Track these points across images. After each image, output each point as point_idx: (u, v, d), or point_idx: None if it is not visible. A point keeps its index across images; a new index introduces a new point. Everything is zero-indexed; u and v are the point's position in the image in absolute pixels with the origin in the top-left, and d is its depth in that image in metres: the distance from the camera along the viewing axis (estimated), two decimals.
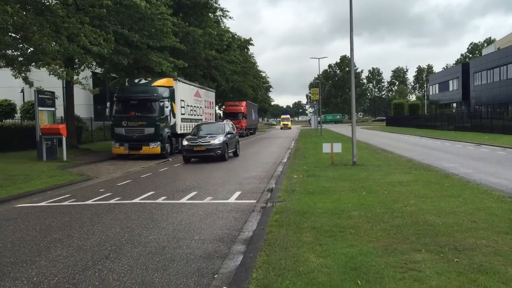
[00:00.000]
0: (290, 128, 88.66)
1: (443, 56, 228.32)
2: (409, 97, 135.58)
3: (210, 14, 40.77)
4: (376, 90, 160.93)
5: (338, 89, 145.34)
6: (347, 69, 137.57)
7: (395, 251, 6.22)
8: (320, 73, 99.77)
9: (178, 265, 6.19)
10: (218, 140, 21.12)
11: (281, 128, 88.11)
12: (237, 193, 12.06)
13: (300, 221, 8.08)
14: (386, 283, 5.06)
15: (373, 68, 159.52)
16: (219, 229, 8.21)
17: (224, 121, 25.03)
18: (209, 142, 20.96)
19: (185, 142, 21.28)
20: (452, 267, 5.51)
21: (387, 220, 7.96)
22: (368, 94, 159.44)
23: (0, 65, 19.67)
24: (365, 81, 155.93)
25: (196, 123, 29.81)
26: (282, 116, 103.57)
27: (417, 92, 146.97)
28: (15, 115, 33.21)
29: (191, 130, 28.31)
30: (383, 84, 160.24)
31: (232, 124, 24.81)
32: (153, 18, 24.26)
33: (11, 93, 39.57)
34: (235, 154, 23.83)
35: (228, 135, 22.33)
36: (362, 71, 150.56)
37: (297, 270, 5.53)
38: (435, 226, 7.46)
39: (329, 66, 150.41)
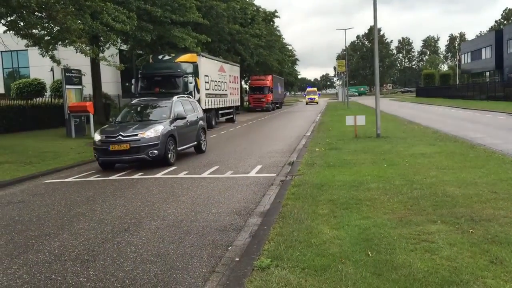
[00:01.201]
0: (317, 103, 75.92)
1: (477, 23, 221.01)
2: (441, 67, 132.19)
3: None
4: (406, 60, 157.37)
5: (366, 61, 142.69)
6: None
7: (409, 222, 6.19)
8: (347, 44, 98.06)
9: (194, 237, 6.32)
10: (154, 131, 12.68)
11: (307, 104, 75.05)
12: (258, 167, 12.14)
13: (317, 194, 8.10)
14: (397, 254, 5.06)
15: (402, 37, 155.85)
16: (236, 202, 8.31)
17: (174, 98, 14.86)
18: (136, 135, 12.53)
19: (97, 137, 12.98)
20: (466, 238, 5.46)
21: (405, 192, 7.90)
22: (398, 64, 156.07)
23: (28, 44, 20.02)
24: (394, 51, 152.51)
25: (221, 98, 29.95)
26: (308, 89, 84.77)
27: (449, 61, 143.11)
28: (45, 93, 33.99)
29: (215, 105, 28.52)
30: (413, 54, 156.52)
31: (191, 103, 16.38)
32: None
33: (42, 72, 40.45)
34: (199, 150, 15.59)
35: (178, 122, 13.99)
36: (391, 41, 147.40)
37: (308, 242, 5.58)
38: (454, 198, 7.37)
39: (357, 37, 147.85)
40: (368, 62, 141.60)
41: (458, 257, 4.88)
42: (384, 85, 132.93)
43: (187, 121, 14.69)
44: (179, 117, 14.04)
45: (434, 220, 6.23)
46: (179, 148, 13.85)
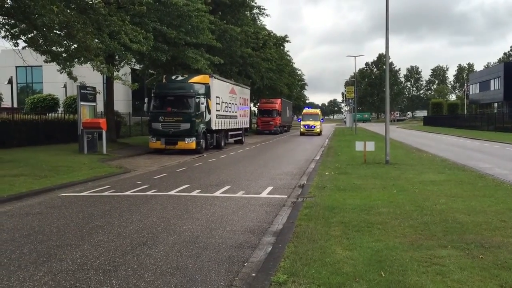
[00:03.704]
0: (318, 133, 48.54)
1: (486, 55, 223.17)
2: (449, 97, 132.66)
3: (247, 12, 41.28)
4: (414, 88, 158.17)
5: (374, 88, 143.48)
6: (384, 67, 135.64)
7: (421, 246, 6.38)
8: (356, 71, 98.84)
9: (211, 253, 6.53)
10: None
11: (302, 134, 48.28)
12: (269, 188, 12.36)
13: (329, 215, 8.30)
14: (409, 275, 5.24)
15: (411, 66, 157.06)
16: (250, 221, 8.52)
17: None
18: None
19: None
20: (476, 263, 5.64)
21: (415, 217, 8.08)
22: (406, 92, 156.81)
23: (46, 60, 20.55)
24: (402, 79, 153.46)
25: (231, 120, 30.36)
26: (305, 111, 53.15)
27: (457, 91, 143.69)
28: (58, 109, 34.56)
29: (225, 127, 28.91)
30: (421, 82, 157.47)
31: None
32: (190, 15, 24.81)
33: (55, 88, 41.19)
34: None
35: None
36: (399, 69, 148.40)
37: (323, 261, 5.78)
38: (464, 224, 7.55)
39: (366, 64, 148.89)
40: (376, 89, 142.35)
41: (469, 280, 5.06)
42: (392, 113, 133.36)
43: None
44: None
45: (445, 245, 6.41)
46: None
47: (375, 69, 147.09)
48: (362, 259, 5.87)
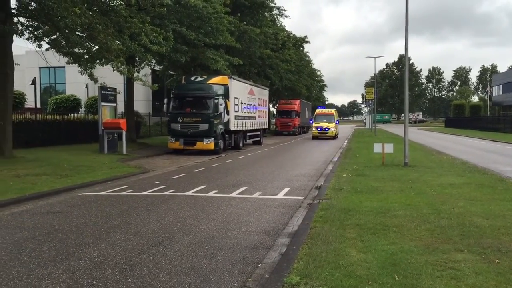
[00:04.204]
0: (333, 136, 42.01)
1: (510, 56, 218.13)
2: (471, 98, 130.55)
3: (266, 13, 41.30)
4: (435, 90, 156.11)
5: (394, 89, 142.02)
6: (404, 68, 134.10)
7: (436, 250, 6.33)
8: (377, 72, 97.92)
9: (225, 253, 6.58)
10: None
11: (315, 137, 41.84)
12: (286, 190, 12.38)
13: (345, 218, 8.29)
14: (423, 279, 5.22)
15: (433, 67, 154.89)
16: (265, 222, 8.56)
17: None
18: None
19: None
20: (492, 267, 5.58)
21: (432, 221, 8.02)
22: (427, 94, 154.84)
23: (69, 62, 20.91)
24: (424, 80, 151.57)
25: (249, 121, 30.44)
26: (318, 111, 46.47)
27: (479, 93, 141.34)
28: (80, 109, 35.11)
29: (243, 127, 29.02)
30: (443, 84, 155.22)
31: None
32: (209, 17, 24.97)
33: (77, 88, 41.87)
34: None
35: None
36: (421, 70, 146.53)
37: (337, 263, 5.78)
38: (481, 228, 7.46)
39: (386, 65, 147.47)
40: (397, 90, 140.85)
41: (483, 285, 5.02)
42: (413, 114, 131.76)
43: None
44: None
45: (461, 249, 6.36)
46: None
47: (395, 70, 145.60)
48: (376, 262, 5.85)
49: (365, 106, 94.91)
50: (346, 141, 37.63)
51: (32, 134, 24.12)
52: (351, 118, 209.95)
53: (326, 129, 41.56)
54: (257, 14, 37.08)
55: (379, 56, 74.50)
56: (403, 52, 17.79)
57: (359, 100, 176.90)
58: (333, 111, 46.06)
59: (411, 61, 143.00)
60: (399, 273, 5.43)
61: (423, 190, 11.27)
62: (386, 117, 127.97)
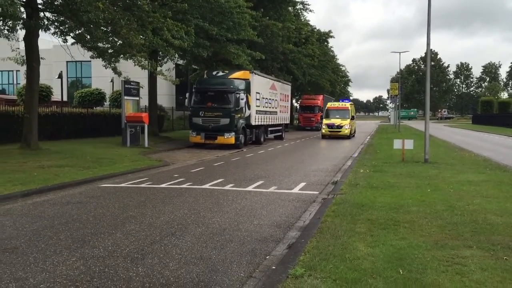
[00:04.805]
0: (348, 135, 35.35)
1: None
2: (501, 95, 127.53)
3: (290, 8, 41.20)
4: (463, 86, 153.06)
5: (421, 84, 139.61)
6: (432, 63, 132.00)
7: (445, 246, 6.33)
8: (403, 67, 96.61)
9: (235, 245, 6.71)
10: None
11: (325, 136, 35.24)
12: (302, 184, 12.44)
13: (357, 213, 8.32)
14: (428, 274, 5.24)
15: (461, 62, 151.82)
16: (278, 216, 8.66)
17: None
18: None
19: None
20: (499, 264, 5.56)
21: (445, 217, 7.98)
22: (455, 90, 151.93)
23: (93, 56, 21.34)
24: (451, 76, 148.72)
25: (271, 115, 30.51)
26: (329, 105, 39.37)
27: (509, 89, 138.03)
28: (105, 103, 35.75)
29: (265, 122, 29.10)
30: (471, 80, 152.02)
31: None
32: (231, 11, 25.09)
33: (103, 82, 42.64)
34: None
35: None
36: (448, 66, 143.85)
37: (343, 256, 5.84)
38: (494, 225, 7.40)
39: (413, 60, 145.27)
40: (423, 85, 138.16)
41: (488, 281, 5.02)
42: (439, 110, 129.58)
43: None
44: None
45: (470, 245, 6.34)
46: None
47: (422, 65, 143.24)
48: (383, 256, 5.89)
49: (390, 102, 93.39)
50: (368, 137, 37.35)
51: (57, 127, 24.72)
52: (376, 114, 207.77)
53: (339, 127, 34.79)
54: (280, 9, 37.02)
55: (404, 51, 72.77)
56: (432, 47, 17.55)
57: (385, 95, 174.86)
58: (347, 104, 38.06)
59: (438, 57, 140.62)
60: (404, 267, 5.46)
61: (440, 187, 11.18)
62: (412, 113, 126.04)
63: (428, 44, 17.37)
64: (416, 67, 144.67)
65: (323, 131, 35.46)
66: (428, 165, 15.85)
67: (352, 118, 36.88)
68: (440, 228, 7.27)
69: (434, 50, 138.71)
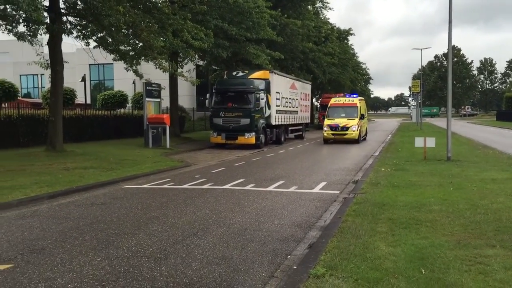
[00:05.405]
0: (357, 137, 27.82)
1: None
2: None
3: (309, 6, 41.07)
4: (487, 82, 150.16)
5: (444, 81, 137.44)
6: (455, 59, 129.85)
7: (467, 245, 6.27)
8: (424, 64, 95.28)
9: (256, 245, 6.78)
10: None
11: (327, 140, 28.47)
12: (322, 184, 12.44)
13: (378, 212, 8.29)
14: (450, 273, 5.21)
15: (485, 58, 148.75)
16: (299, 216, 8.69)
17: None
18: None
19: None
20: None
21: (468, 216, 7.90)
22: (479, 86, 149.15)
23: (115, 59, 21.68)
24: (475, 72, 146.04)
25: (291, 115, 30.47)
26: (332, 101, 31.31)
27: None
28: (127, 105, 36.23)
29: (285, 122, 29.08)
30: (496, 75, 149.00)
31: None
32: (250, 11, 25.18)
33: (125, 84, 43.17)
34: None
35: None
36: (472, 61, 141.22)
37: (364, 256, 5.85)
38: None
39: (435, 57, 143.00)
40: (446, 82, 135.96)
41: None
42: (462, 107, 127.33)
43: None
44: None
45: (493, 244, 6.27)
46: None
47: (444, 62, 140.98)
48: (405, 255, 5.88)
49: (412, 100, 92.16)
50: (390, 136, 37.01)
51: (81, 129, 25.18)
52: (388, 111, 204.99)
53: (345, 128, 27.62)
54: (299, 8, 36.92)
55: (426, 48, 71.48)
56: (455, 43, 17.37)
57: (407, 93, 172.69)
58: (356, 100, 30.52)
59: (461, 52, 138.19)
60: (426, 267, 5.44)
61: (463, 185, 11.05)
62: (434, 110, 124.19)
63: (449, 40, 17.18)
64: (439, 64, 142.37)
65: (325, 134, 28.40)
66: (450, 163, 15.66)
67: (362, 117, 29.46)
68: (463, 227, 7.21)
69: (457, 46, 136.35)
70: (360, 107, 29.46)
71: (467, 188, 10.73)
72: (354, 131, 27.52)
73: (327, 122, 28.60)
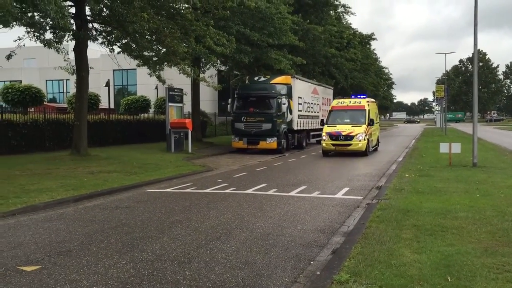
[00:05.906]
0: (362, 150, 22.37)
1: None
2: None
3: (331, 11, 40.95)
4: None
5: (469, 86, 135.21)
6: (480, 64, 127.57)
7: (495, 253, 6.15)
8: (449, 68, 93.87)
9: (279, 250, 6.76)
10: None
11: (325, 152, 23.19)
12: (345, 189, 12.35)
13: (402, 218, 8.20)
14: (477, 282, 5.12)
15: (511, 62, 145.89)
16: (321, 221, 8.65)
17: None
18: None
19: None
20: None
21: (495, 223, 7.75)
22: (505, 91, 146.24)
23: (139, 64, 21.98)
24: (501, 76, 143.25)
25: (313, 120, 30.38)
26: (334, 103, 26.09)
27: None
28: (149, 109, 36.65)
29: (307, 127, 28.99)
30: None
31: None
32: (272, 17, 25.24)
33: (147, 89, 43.72)
34: None
35: None
36: (498, 66, 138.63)
37: (388, 263, 5.78)
38: None
39: (460, 61, 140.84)
40: (471, 87, 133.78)
41: None
42: (488, 112, 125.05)
43: None
44: None
45: None
46: None
47: (469, 66, 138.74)
48: (430, 263, 5.79)
49: (436, 104, 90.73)
50: (413, 141, 36.57)
51: (105, 133, 25.57)
52: (421, 116, 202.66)
53: (348, 137, 22.48)
54: (321, 13, 36.84)
55: (450, 52, 70.12)
56: (480, 47, 17.09)
57: (430, 98, 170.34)
58: (364, 101, 24.92)
59: (486, 57, 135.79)
60: (452, 274, 5.35)
61: (490, 192, 10.84)
62: (459, 115, 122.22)
63: (475, 44, 16.91)
64: (463, 68, 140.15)
65: (324, 144, 23.23)
66: (476, 169, 15.39)
67: (371, 122, 23.87)
68: (490, 234, 7.07)
69: (482, 50, 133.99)
70: (369, 110, 24.26)
71: (494, 194, 10.53)
72: (360, 140, 22.31)
73: (326, 129, 23.38)
